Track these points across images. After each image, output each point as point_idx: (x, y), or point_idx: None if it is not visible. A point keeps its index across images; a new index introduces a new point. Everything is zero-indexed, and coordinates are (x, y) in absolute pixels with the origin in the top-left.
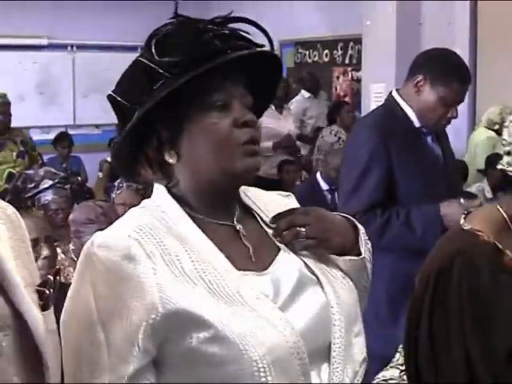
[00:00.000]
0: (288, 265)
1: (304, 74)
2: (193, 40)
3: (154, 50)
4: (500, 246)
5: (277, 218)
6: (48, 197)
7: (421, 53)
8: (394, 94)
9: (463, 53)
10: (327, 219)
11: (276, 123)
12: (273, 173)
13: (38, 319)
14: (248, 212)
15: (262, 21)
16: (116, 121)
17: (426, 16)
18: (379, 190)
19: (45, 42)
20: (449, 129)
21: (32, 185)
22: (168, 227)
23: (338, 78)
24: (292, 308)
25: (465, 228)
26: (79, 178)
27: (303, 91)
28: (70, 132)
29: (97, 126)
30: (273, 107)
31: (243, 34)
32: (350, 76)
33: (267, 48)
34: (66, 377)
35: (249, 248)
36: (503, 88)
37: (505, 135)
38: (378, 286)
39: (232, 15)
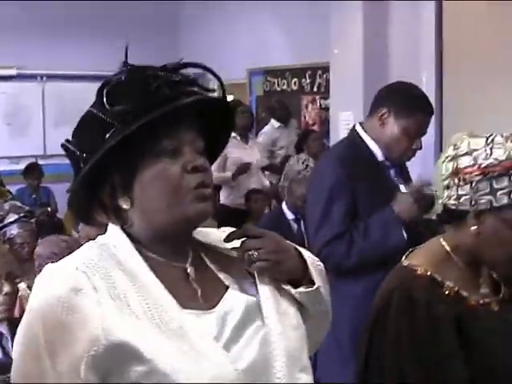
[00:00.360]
0: (234, 303)
1: (273, 102)
2: (142, 88)
3: (104, 100)
4: (438, 278)
5: (229, 238)
6: (13, 231)
7: (384, 86)
8: (358, 127)
9: (430, 80)
10: (279, 243)
11: (241, 153)
12: (240, 202)
13: None
14: (199, 254)
15: (232, 49)
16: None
17: (393, 44)
18: (345, 220)
19: (13, 72)
20: (416, 158)
21: None
22: (118, 262)
23: (306, 106)
24: (235, 346)
25: (404, 264)
26: (49, 209)
27: (273, 121)
28: (40, 162)
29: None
30: (238, 137)
31: (194, 79)
32: (318, 104)
33: (217, 92)
34: None
35: (197, 290)
36: (470, 115)
37: (442, 170)
38: (342, 315)
39: (184, 61)
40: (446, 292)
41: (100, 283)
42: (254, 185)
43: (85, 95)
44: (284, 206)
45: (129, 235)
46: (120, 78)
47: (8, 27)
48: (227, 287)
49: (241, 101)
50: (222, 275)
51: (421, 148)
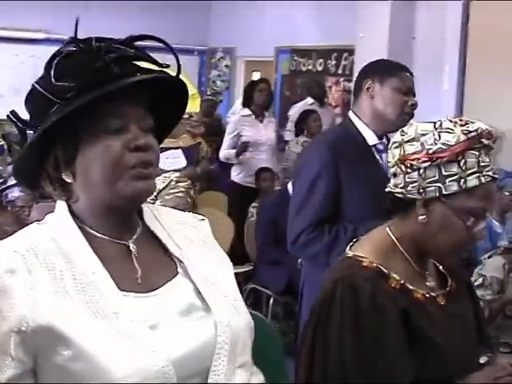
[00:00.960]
0: (179, 289)
1: (310, 80)
2: (89, 65)
3: (52, 72)
4: (384, 270)
5: None
6: (15, 193)
7: (361, 68)
8: (350, 113)
9: (453, 69)
10: None
11: (254, 131)
12: (250, 180)
13: None
14: (151, 232)
15: (260, 27)
16: None
17: (419, 30)
18: (327, 204)
19: (41, 35)
20: None
21: None
22: (59, 244)
23: (330, 87)
24: (172, 332)
25: (348, 255)
26: None
27: (308, 98)
28: None
29: None
30: (253, 115)
31: (146, 54)
32: (341, 86)
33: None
34: None
35: (137, 269)
36: (491, 108)
37: (389, 157)
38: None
39: (141, 33)
40: (392, 285)
41: (37, 266)
42: (265, 163)
43: None
44: (289, 185)
45: (73, 212)
46: (70, 51)
47: None
48: (176, 271)
49: (266, 79)
50: (173, 257)
51: (416, 106)
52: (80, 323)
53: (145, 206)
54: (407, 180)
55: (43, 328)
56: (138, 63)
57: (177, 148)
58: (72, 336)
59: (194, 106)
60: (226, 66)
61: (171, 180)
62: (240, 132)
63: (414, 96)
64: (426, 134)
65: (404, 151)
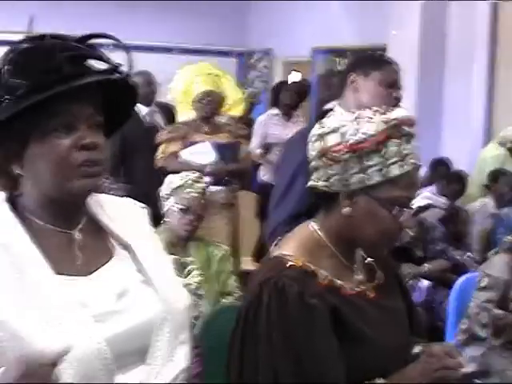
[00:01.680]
0: (116, 271)
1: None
2: (42, 63)
3: (7, 68)
4: (311, 268)
5: None
6: None
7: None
8: (336, 107)
9: (481, 69)
10: None
11: (281, 131)
12: None
13: None
14: (95, 221)
15: (297, 28)
16: None
17: (450, 29)
18: (304, 200)
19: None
20: (463, 151)
21: None
22: None
23: None
24: (108, 311)
25: (274, 255)
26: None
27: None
28: None
29: None
30: (280, 115)
31: (99, 54)
32: None
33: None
34: None
35: (78, 256)
36: None
37: (309, 151)
38: None
39: (96, 32)
40: (320, 282)
41: None
42: None
43: (153, 66)
44: None
45: (15, 201)
46: (27, 47)
47: None
48: (114, 255)
49: (306, 79)
50: (116, 242)
51: (401, 98)
52: (12, 306)
53: (90, 197)
54: (329, 173)
55: None
56: (91, 62)
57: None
58: (4, 319)
59: (237, 110)
60: (265, 66)
61: (189, 179)
62: (267, 131)
63: (400, 88)
64: (345, 125)
65: (324, 143)
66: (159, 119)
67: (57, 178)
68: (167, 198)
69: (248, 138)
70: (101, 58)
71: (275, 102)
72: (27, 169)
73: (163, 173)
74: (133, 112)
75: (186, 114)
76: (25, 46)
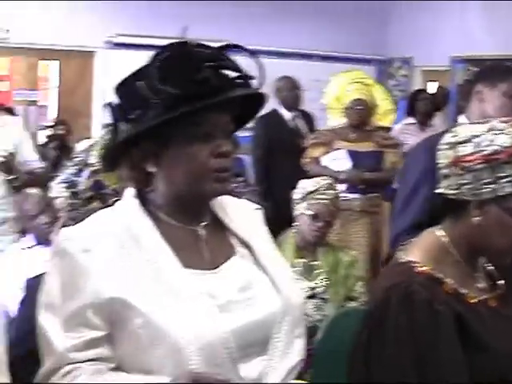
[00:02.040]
0: (239, 267)
1: None
2: (191, 73)
3: (156, 74)
4: (438, 275)
5: None
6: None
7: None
8: (461, 118)
9: None
10: None
11: (416, 140)
12: None
13: None
14: (218, 219)
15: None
16: None
17: None
18: (426, 209)
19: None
20: None
21: None
22: (128, 227)
23: None
24: (234, 304)
25: (401, 261)
26: (241, 179)
27: None
28: (239, 133)
29: None
30: (417, 124)
31: (238, 67)
32: None
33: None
34: None
35: (204, 251)
36: None
37: (440, 159)
38: None
39: (232, 43)
40: (446, 290)
41: (108, 246)
42: None
43: (288, 72)
44: None
45: (145, 199)
46: (174, 55)
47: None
48: (237, 251)
49: (444, 87)
50: (237, 240)
51: None
52: (147, 296)
53: None
54: (460, 181)
55: (115, 300)
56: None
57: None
58: (141, 307)
59: (387, 120)
60: (403, 75)
61: (321, 186)
62: (403, 140)
63: None
64: (479, 136)
65: (457, 152)
66: (301, 125)
67: (192, 181)
68: (299, 203)
69: (395, 147)
70: (238, 70)
71: (411, 111)
72: (163, 169)
73: (307, 177)
74: (278, 116)
75: (337, 120)
76: (172, 52)
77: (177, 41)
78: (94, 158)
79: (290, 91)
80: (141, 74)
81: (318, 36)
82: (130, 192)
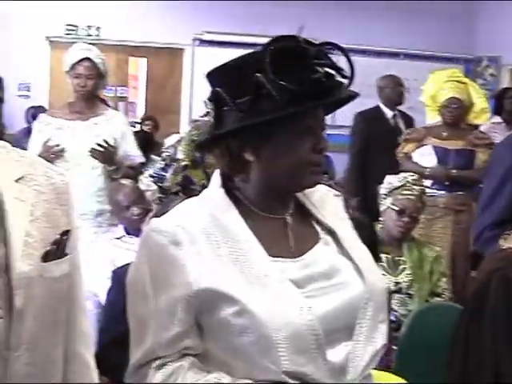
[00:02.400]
0: (323, 253)
1: None
2: (306, 74)
3: (269, 67)
4: None
5: None
6: None
7: None
8: None
9: None
10: None
11: (502, 139)
12: None
13: (16, 268)
14: (301, 206)
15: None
16: None
17: None
18: (509, 207)
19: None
20: None
21: None
22: (215, 217)
23: None
24: (319, 290)
25: (502, 247)
26: (327, 176)
27: None
28: (328, 131)
29: None
30: (503, 123)
31: (338, 67)
32: None
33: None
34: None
35: (290, 239)
36: None
37: None
38: None
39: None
40: None
41: (196, 236)
42: None
43: (371, 70)
44: None
45: (231, 188)
46: (287, 49)
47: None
48: (321, 238)
49: None
50: (321, 227)
51: None
52: (237, 285)
53: None
54: None
55: (206, 290)
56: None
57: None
58: (235, 295)
59: (482, 119)
60: (491, 74)
61: (407, 181)
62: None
63: None
64: None
65: None
66: (401, 124)
67: (291, 173)
68: (385, 198)
69: (488, 146)
70: (335, 69)
71: (498, 110)
72: (261, 159)
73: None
74: (379, 113)
75: (433, 118)
76: (282, 46)
77: (285, 35)
78: (181, 154)
79: (394, 89)
80: (248, 64)
81: (406, 35)
82: (216, 181)
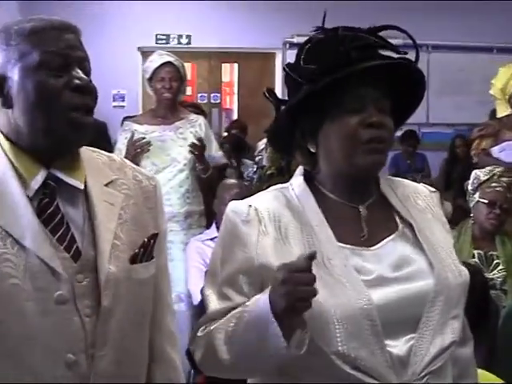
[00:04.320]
0: (396, 245)
1: None
2: (332, 51)
3: (302, 56)
4: None
5: None
6: None
7: None
8: None
9: None
10: None
11: None
12: None
13: (104, 269)
14: (385, 199)
15: None
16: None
17: None
18: None
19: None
20: None
21: None
22: (288, 201)
23: None
24: (384, 280)
25: None
26: (422, 174)
27: None
28: (423, 130)
29: (449, 125)
30: None
31: (386, 43)
32: None
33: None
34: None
35: (363, 228)
36: None
37: None
38: None
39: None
40: None
41: (266, 217)
42: None
43: (467, 66)
44: None
45: (312, 179)
46: (319, 38)
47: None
48: (397, 230)
49: None
50: (401, 219)
51: None
52: None
53: (382, 178)
54: None
55: (265, 267)
56: (379, 51)
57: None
58: None
59: None
60: None
61: (494, 174)
62: None
63: None
64: None
65: None
66: None
67: (345, 154)
68: (473, 193)
69: None
70: (388, 47)
71: None
72: (321, 147)
73: (474, 168)
74: None
75: (503, 111)
76: (319, 37)
77: (323, 27)
78: (267, 160)
79: None
80: (294, 61)
81: (499, 29)
82: (298, 171)
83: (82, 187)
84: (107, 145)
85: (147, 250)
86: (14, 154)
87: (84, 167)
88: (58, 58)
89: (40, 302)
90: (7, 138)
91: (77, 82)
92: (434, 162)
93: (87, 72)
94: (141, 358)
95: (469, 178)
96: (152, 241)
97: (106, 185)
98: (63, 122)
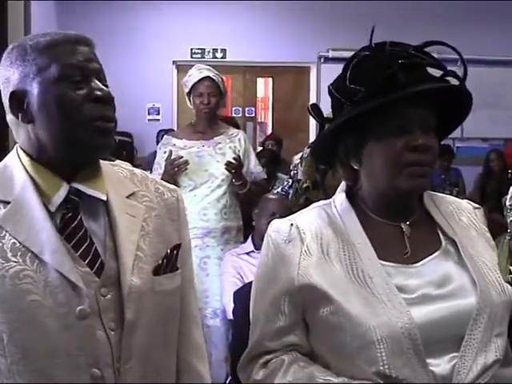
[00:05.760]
0: (439, 262)
1: None
2: (379, 71)
3: (348, 75)
4: None
5: None
6: None
7: None
8: None
9: None
10: None
11: None
12: None
13: (127, 282)
14: (428, 215)
15: None
16: (503, 134)
17: None
18: None
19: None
20: None
21: None
22: (331, 220)
23: None
24: (426, 298)
25: None
26: (456, 189)
27: None
28: (458, 144)
29: (484, 140)
30: None
31: (432, 62)
32: None
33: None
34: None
35: (406, 245)
36: None
37: None
38: None
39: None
40: None
41: (308, 236)
42: None
43: (500, 80)
44: None
45: (354, 195)
46: (363, 56)
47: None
48: (440, 247)
49: None
50: (444, 236)
51: None
52: (338, 284)
53: (426, 194)
54: None
55: (308, 287)
56: (427, 69)
57: None
58: (332, 294)
59: None
60: None
61: None
62: None
63: None
64: None
65: None
66: None
67: (388, 175)
68: (511, 209)
69: None
70: (436, 66)
71: None
72: (364, 165)
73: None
74: None
75: None
76: (365, 53)
77: (370, 44)
78: (302, 174)
79: None
80: (336, 78)
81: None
82: (341, 187)
83: (104, 198)
84: (130, 155)
85: (171, 260)
86: (35, 169)
87: (105, 180)
88: (76, 70)
89: (61, 318)
90: (27, 154)
91: (97, 93)
92: (469, 176)
93: (105, 83)
94: (167, 370)
95: (504, 193)
96: (175, 251)
97: (128, 197)
98: (87, 131)
